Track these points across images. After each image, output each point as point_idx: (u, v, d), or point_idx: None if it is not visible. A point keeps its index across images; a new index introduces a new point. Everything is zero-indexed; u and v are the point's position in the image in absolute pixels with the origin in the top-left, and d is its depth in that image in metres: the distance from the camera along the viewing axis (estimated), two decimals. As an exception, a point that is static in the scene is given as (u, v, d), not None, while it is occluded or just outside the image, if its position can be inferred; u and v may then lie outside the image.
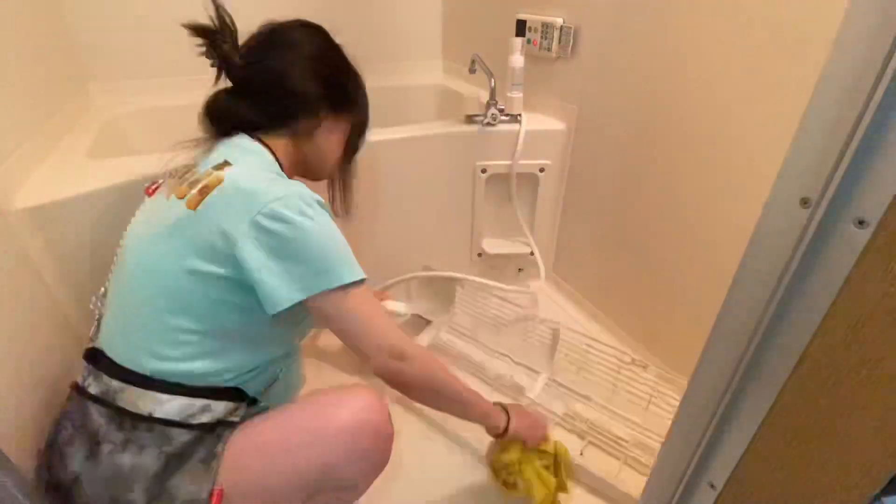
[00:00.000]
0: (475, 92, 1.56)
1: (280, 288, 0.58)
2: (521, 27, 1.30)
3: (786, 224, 0.36)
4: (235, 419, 0.64)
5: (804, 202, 0.34)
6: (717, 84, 0.89)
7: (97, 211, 0.94)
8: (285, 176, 0.69)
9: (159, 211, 0.66)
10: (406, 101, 1.78)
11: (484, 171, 1.32)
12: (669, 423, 0.52)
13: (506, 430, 0.78)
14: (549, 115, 1.35)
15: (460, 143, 1.28)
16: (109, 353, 0.63)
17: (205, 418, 0.61)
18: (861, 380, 0.35)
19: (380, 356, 0.64)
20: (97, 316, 0.66)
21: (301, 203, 0.59)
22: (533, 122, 1.30)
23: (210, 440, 0.60)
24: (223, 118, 0.70)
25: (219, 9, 0.65)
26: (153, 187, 0.73)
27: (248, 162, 0.65)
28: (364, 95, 0.79)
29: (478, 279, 1.18)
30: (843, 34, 0.31)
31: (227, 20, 0.66)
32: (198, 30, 0.65)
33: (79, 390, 0.62)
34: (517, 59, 1.23)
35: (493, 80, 1.29)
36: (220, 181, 0.60)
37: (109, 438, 0.58)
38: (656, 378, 0.97)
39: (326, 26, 0.77)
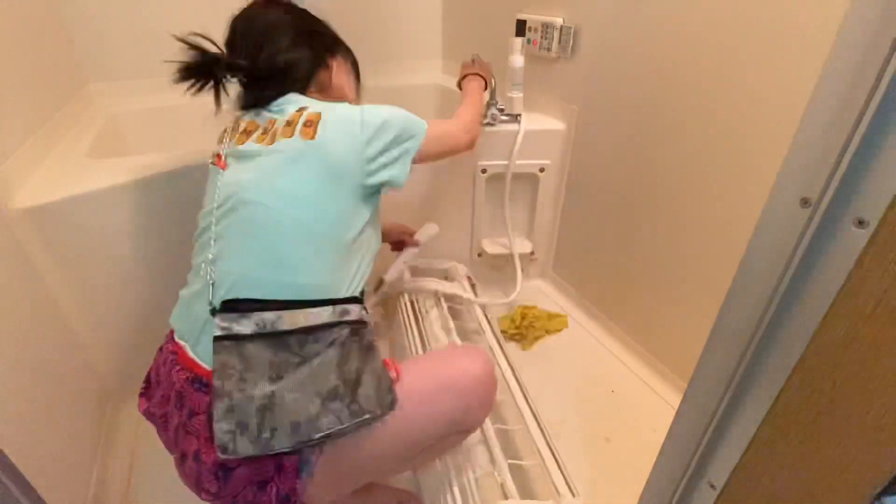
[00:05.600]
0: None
1: (400, 162, 0.76)
2: (521, 27, 1.30)
3: (786, 224, 0.36)
4: (368, 320, 0.73)
5: (804, 202, 0.34)
6: (717, 84, 0.89)
7: (97, 211, 0.94)
8: None
9: (262, 158, 0.70)
10: (406, 101, 1.77)
11: (484, 171, 1.32)
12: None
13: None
14: (549, 115, 1.35)
15: (460, 143, 1.28)
16: (248, 296, 0.65)
17: (347, 318, 0.69)
18: (861, 380, 0.35)
19: (468, 145, 0.94)
20: (211, 282, 0.67)
21: (375, 106, 0.75)
22: (533, 122, 1.30)
23: (361, 334, 0.69)
24: (256, 102, 0.77)
25: (205, 38, 0.72)
26: (220, 161, 0.75)
27: (315, 103, 0.75)
28: (335, 39, 0.88)
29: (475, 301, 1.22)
30: (843, 34, 0.31)
31: (214, 44, 0.73)
32: (196, 65, 0.71)
33: (229, 338, 0.63)
34: (517, 59, 1.23)
35: (493, 80, 1.29)
36: (319, 115, 0.70)
37: (287, 360, 0.63)
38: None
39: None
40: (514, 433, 0.97)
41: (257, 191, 0.68)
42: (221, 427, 0.59)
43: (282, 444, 0.59)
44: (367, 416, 0.62)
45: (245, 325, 0.63)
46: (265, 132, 0.73)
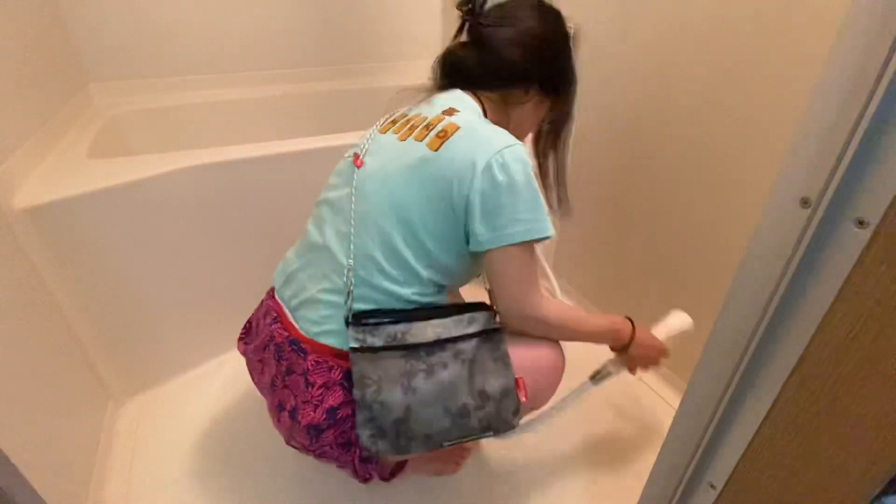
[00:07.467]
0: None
1: (484, 234, 0.65)
2: (521, 27, 1.30)
3: (786, 224, 0.36)
4: (497, 325, 0.72)
5: (804, 202, 0.34)
6: (718, 84, 0.89)
7: (97, 211, 0.94)
8: None
9: (395, 157, 0.71)
10: (406, 102, 1.78)
11: (484, 171, 1.32)
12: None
13: (625, 347, 0.83)
14: (549, 115, 1.34)
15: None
16: (375, 306, 0.69)
17: (473, 328, 0.70)
18: (861, 379, 0.35)
19: (509, 316, 0.72)
20: (350, 288, 0.69)
21: (524, 155, 0.66)
22: (533, 122, 1.29)
23: (494, 342, 0.70)
24: (453, 65, 0.78)
25: None
26: (357, 159, 0.75)
27: (469, 111, 0.73)
28: (574, 88, 0.83)
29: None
30: (843, 34, 0.31)
31: None
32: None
33: (364, 350, 0.67)
34: (517, 59, 1.23)
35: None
36: (456, 127, 0.68)
37: (417, 369, 0.67)
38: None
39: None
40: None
41: (380, 196, 0.69)
42: (364, 433, 0.66)
43: (416, 450, 0.68)
44: (489, 433, 0.68)
45: (377, 339, 0.67)
46: (407, 124, 0.74)
